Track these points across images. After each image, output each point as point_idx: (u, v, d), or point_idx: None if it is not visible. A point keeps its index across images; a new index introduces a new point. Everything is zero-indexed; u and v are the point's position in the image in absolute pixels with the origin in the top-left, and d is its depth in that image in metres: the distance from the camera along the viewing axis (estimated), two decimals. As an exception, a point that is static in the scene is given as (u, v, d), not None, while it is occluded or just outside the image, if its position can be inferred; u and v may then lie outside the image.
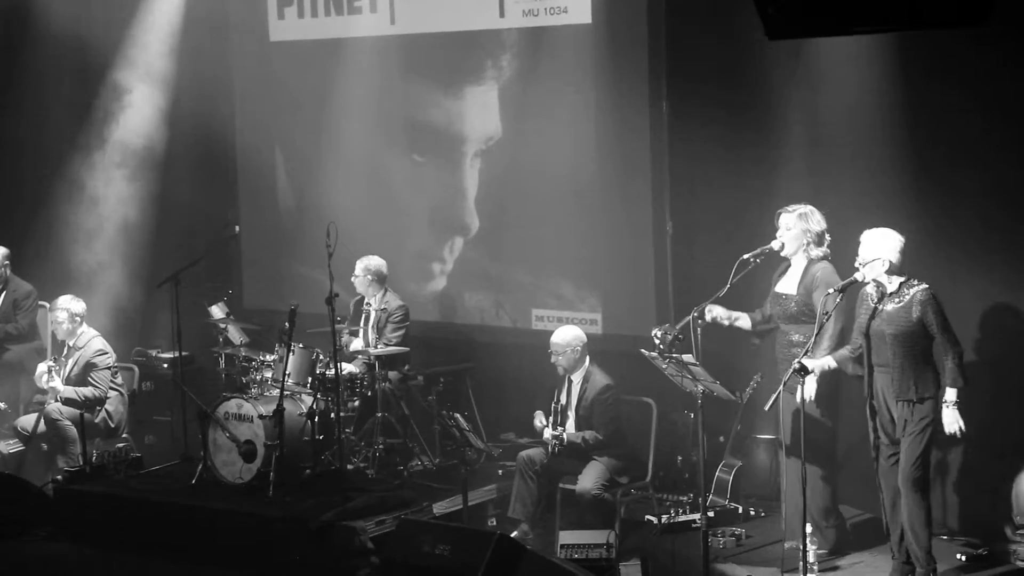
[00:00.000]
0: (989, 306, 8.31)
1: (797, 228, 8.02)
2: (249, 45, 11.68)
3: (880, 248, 7.44)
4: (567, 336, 8.86)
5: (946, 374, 7.45)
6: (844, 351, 7.76)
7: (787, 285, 8.13)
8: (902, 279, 7.47)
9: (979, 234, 8.21)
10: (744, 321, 8.30)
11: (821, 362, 7.73)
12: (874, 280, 7.51)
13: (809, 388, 7.74)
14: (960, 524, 8.42)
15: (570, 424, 8.81)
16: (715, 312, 8.15)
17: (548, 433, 8.72)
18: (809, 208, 8.04)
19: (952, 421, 7.46)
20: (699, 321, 7.99)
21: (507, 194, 10.58)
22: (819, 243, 8.03)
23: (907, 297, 7.43)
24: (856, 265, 7.51)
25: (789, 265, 8.16)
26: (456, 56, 10.65)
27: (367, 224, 10.85)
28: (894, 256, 7.44)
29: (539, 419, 8.83)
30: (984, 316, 8.31)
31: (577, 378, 8.87)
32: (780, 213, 8.08)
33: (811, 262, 8.03)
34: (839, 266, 7.94)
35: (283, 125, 11.62)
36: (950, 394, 7.43)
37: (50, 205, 11.85)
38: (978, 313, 8.30)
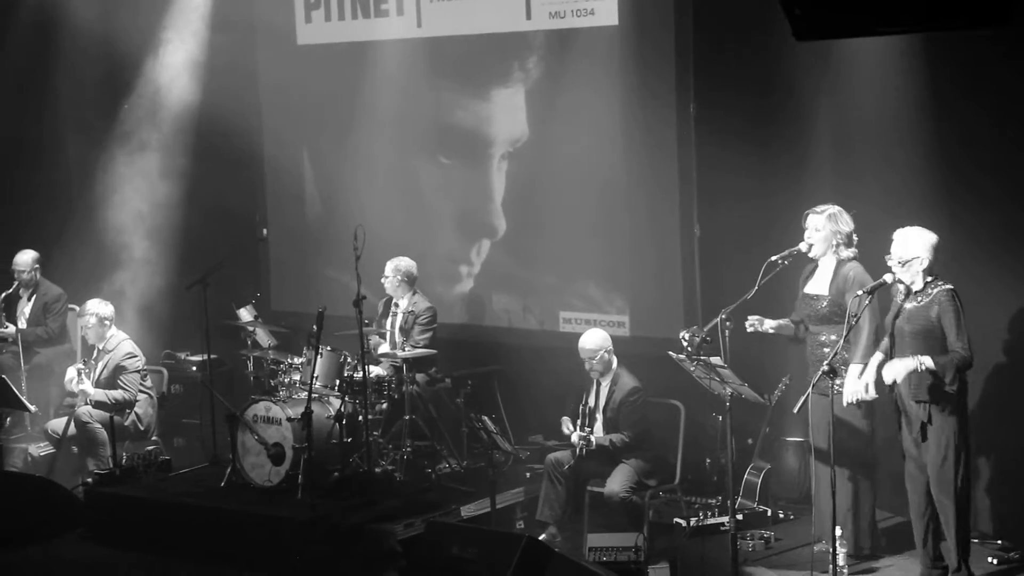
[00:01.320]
0: (1017, 308, 8.25)
1: (827, 229, 7.97)
2: (276, 48, 11.71)
3: (919, 246, 7.39)
4: (596, 339, 8.84)
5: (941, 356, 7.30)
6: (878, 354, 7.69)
7: (817, 286, 8.09)
8: (929, 279, 7.43)
9: (1007, 237, 8.15)
10: (788, 327, 8.25)
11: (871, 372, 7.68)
12: (899, 280, 7.46)
13: (854, 388, 7.63)
14: (992, 527, 8.36)
15: (598, 426, 8.80)
16: (763, 324, 8.12)
17: (576, 435, 8.71)
18: (838, 209, 8.00)
19: (900, 367, 7.23)
20: (727, 323, 7.97)
21: (534, 196, 10.57)
22: (848, 244, 8.00)
23: (929, 296, 7.39)
24: (889, 264, 7.45)
25: (816, 267, 8.12)
26: (483, 58, 10.66)
27: (394, 227, 10.87)
28: (930, 254, 7.39)
29: (566, 425, 8.82)
30: (1012, 319, 8.25)
31: (605, 380, 8.86)
32: (808, 214, 8.04)
33: (841, 263, 7.99)
34: (866, 268, 7.90)
35: (310, 128, 11.65)
36: (925, 359, 7.22)
37: (79, 210, 11.91)
38: (1006, 316, 8.25)
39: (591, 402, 8.84)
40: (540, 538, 8.21)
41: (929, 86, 8.32)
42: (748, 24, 9.14)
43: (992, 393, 8.18)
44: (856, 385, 7.68)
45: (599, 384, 8.87)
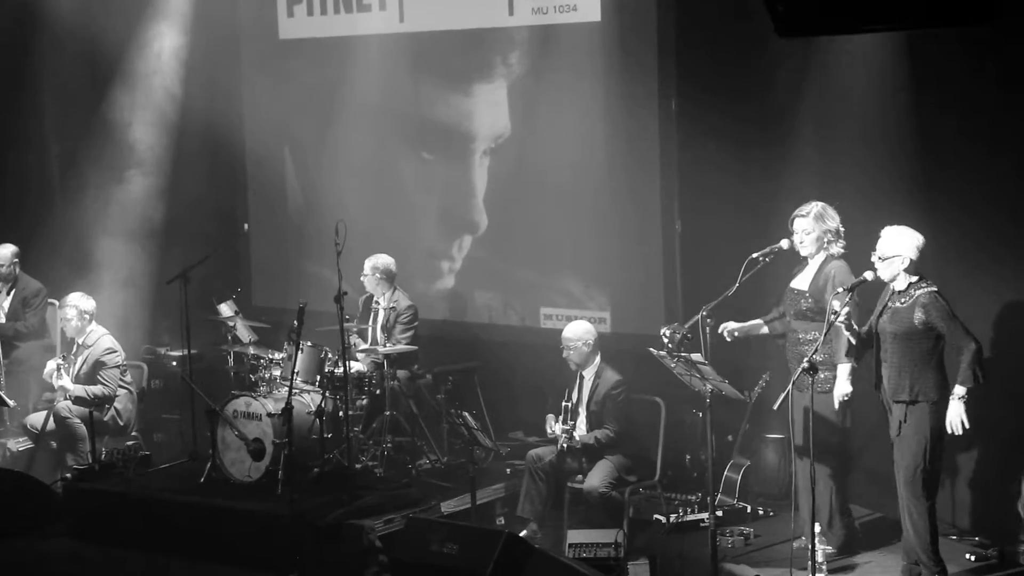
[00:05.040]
0: (1002, 304, 8.27)
1: (817, 230, 7.97)
2: (259, 43, 11.68)
3: (902, 245, 7.40)
4: (579, 330, 8.86)
5: (959, 372, 7.37)
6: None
7: (801, 281, 8.12)
8: (913, 279, 7.44)
9: (992, 231, 8.17)
10: (759, 327, 8.30)
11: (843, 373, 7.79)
12: (879, 276, 7.47)
13: (843, 387, 7.75)
14: (969, 524, 8.39)
15: (581, 420, 8.80)
16: (730, 326, 8.16)
17: (559, 428, 8.71)
18: (821, 206, 8.00)
19: (955, 416, 7.34)
20: (708, 320, 7.97)
21: (516, 192, 10.57)
22: (837, 238, 8.01)
23: (912, 298, 7.40)
24: (873, 260, 7.46)
25: (806, 263, 8.14)
26: (465, 54, 10.64)
27: (376, 222, 10.85)
28: (915, 254, 7.40)
29: (550, 425, 8.81)
30: (997, 314, 8.27)
31: (589, 374, 8.86)
32: (794, 218, 8.03)
33: (827, 260, 8.01)
34: (850, 265, 7.91)
35: (292, 123, 11.62)
36: (959, 390, 7.34)
37: (59, 204, 11.86)
38: (990, 310, 8.26)
39: (574, 397, 8.84)
40: (520, 534, 8.20)
41: (912, 81, 8.34)
42: (731, 20, 9.15)
43: (971, 390, 8.19)
44: (847, 387, 7.74)
45: (583, 378, 8.87)
